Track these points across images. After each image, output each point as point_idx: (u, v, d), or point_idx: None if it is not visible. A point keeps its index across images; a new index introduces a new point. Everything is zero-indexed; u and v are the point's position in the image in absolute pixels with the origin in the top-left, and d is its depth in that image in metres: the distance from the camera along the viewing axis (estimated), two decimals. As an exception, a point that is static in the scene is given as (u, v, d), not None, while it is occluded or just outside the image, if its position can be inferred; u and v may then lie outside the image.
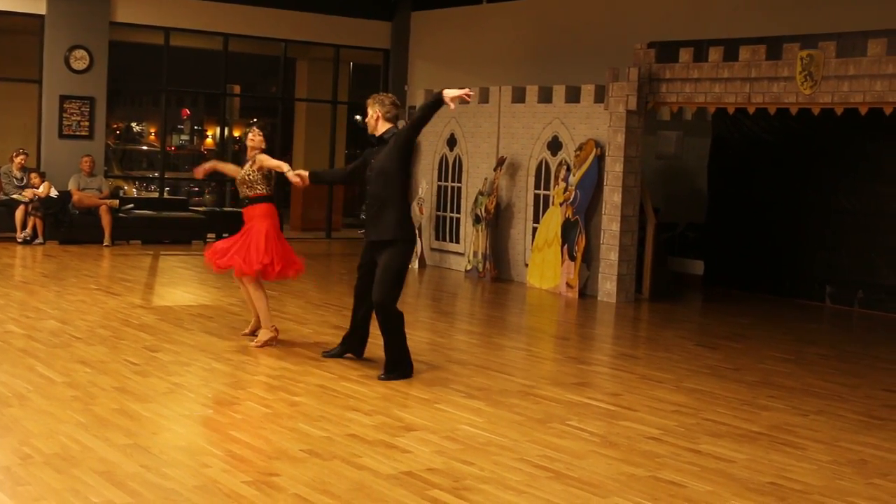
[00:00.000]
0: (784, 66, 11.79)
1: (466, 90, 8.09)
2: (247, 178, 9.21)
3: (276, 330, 9.30)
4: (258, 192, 9.22)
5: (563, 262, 13.73)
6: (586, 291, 13.61)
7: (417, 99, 17.09)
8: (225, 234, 18.35)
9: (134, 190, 21.76)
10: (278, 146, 21.81)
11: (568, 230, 13.73)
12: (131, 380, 7.76)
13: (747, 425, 7.27)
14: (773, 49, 11.93)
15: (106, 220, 16.57)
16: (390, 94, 8.74)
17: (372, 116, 8.50)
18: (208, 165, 9.86)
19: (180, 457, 5.94)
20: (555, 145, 14.33)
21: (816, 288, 13.92)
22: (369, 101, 8.54)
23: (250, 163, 9.25)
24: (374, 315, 8.34)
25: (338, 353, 8.84)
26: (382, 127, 8.45)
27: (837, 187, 13.71)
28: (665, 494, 5.68)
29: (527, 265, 14.58)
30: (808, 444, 6.86)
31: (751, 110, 12.56)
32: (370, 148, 8.63)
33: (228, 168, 9.87)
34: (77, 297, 11.48)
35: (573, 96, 14.15)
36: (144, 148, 26.09)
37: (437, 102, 8.15)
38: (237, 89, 22.43)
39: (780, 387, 8.64)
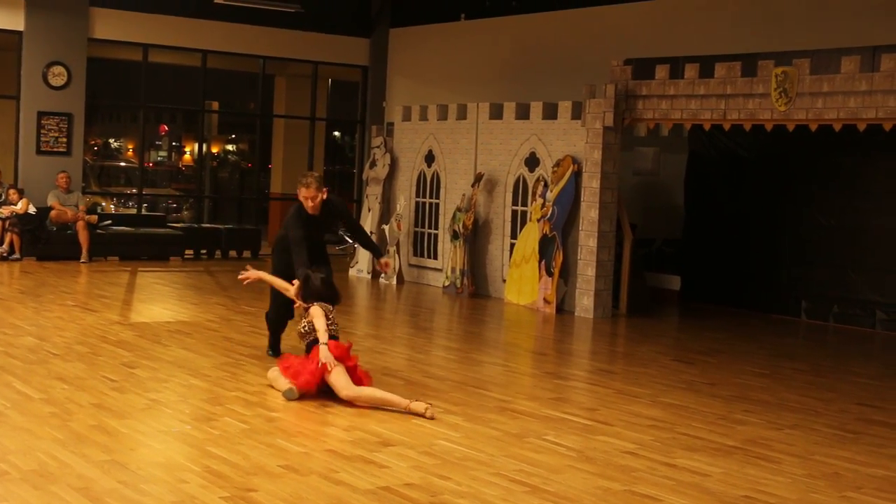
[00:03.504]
0: (759, 83, 11.89)
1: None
2: (302, 330, 8.33)
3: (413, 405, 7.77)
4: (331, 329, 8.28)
5: (540, 277, 13.78)
6: (564, 307, 13.66)
7: (395, 115, 17.15)
8: (203, 252, 18.42)
9: (112, 206, 21.73)
10: (257, 163, 21.86)
11: (545, 246, 13.78)
12: (109, 396, 7.75)
13: (723, 439, 7.32)
14: (748, 66, 12.03)
15: (83, 237, 16.54)
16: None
17: (320, 198, 9.02)
18: (255, 275, 9.06)
19: (158, 473, 5.94)
20: (532, 161, 14.39)
21: (792, 303, 14.02)
22: (317, 184, 9.03)
23: (304, 314, 8.36)
24: None
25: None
26: None
27: (813, 203, 13.81)
28: (640, 508, 5.73)
29: (504, 281, 14.62)
30: (783, 457, 6.91)
31: (726, 127, 12.66)
32: (299, 221, 9.00)
33: (276, 282, 9.03)
34: (54, 314, 11.46)
35: (550, 113, 14.22)
36: (122, 164, 26.07)
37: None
38: (215, 106, 22.44)
39: (755, 401, 8.69)
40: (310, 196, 9.01)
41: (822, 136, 12.19)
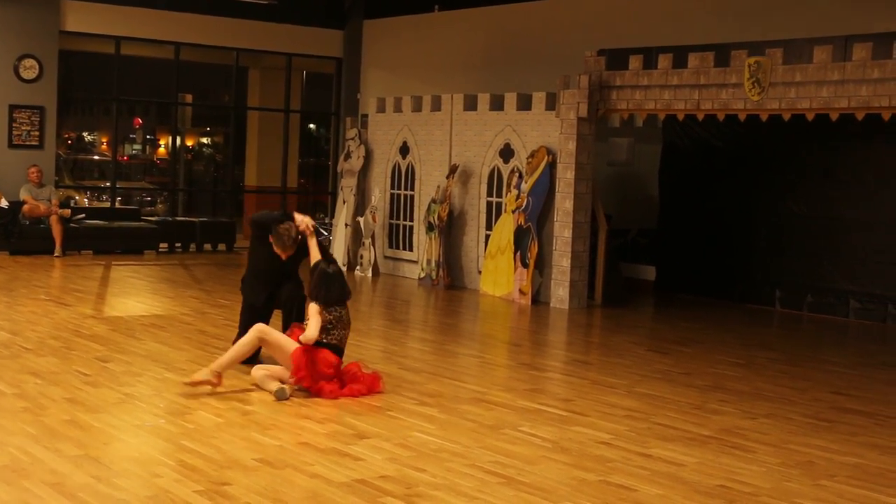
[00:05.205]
0: (732, 73, 11.92)
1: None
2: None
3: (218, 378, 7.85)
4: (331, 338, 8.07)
5: (515, 268, 13.79)
6: (539, 298, 13.67)
7: (370, 107, 17.12)
8: (177, 245, 18.34)
9: (85, 200, 21.60)
10: (231, 156, 21.76)
11: (520, 237, 13.79)
12: (82, 390, 7.71)
13: (697, 429, 7.34)
14: (721, 56, 12.06)
15: (57, 230, 16.44)
16: None
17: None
18: (308, 226, 8.73)
19: (131, 467, 5.91)
20: (507, 153, 14.39)
21: (766, 292, 14.07)
22: (295, 246, 8.77)
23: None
24: None
25: None
26: None
27: (786, 192, 13.87)
28: (615, 499, 5.72)
29: (480, 272, 14.62)
30: (758, 446, 6.93)
31: (700, 117, 12.69)
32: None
33: (313, 248, 8.64)
34: (27, 308, 11.38)
35: (525, 104, 14.22)
36: (96, 157, 25.90)
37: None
38: (189, 98, 22.30)
39: (730, 391, 8.72)
40: (284, 254, 8.74)
41: (795, 126, 12.23)
